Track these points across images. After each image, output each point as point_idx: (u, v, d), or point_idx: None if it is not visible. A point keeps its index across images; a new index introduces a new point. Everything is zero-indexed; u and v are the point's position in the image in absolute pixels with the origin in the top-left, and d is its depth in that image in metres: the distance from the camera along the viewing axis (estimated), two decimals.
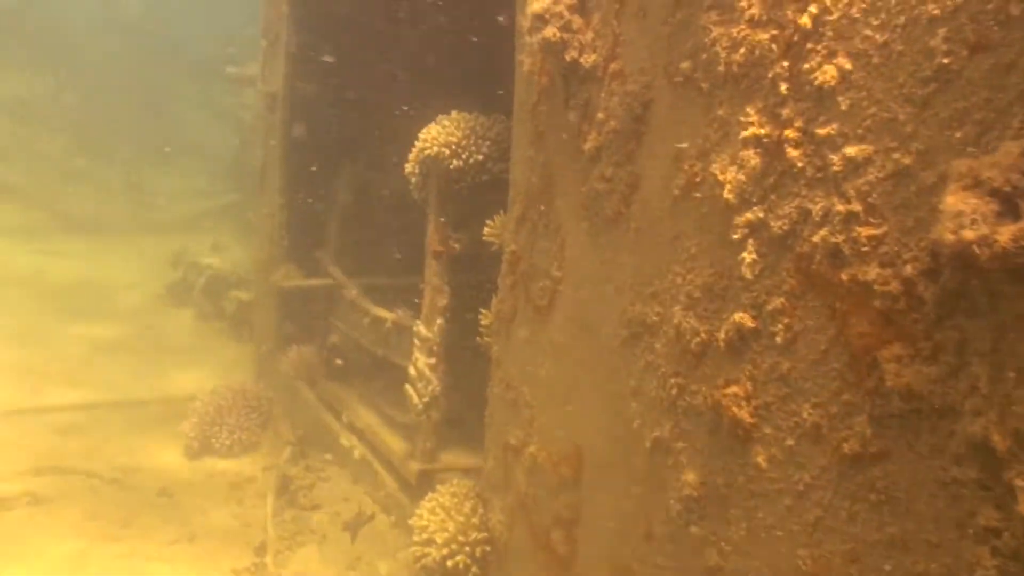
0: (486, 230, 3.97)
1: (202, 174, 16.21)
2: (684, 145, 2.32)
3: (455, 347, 4.64)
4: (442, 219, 4.53)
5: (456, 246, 4.54)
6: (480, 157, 4.35)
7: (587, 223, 2.97)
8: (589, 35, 2.93)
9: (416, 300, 4.87)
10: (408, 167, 4.62)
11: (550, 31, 2.95)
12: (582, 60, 2.92)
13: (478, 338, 4.07)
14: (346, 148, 6.53)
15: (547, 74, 3.23)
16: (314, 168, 6.45)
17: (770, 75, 1.98)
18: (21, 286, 9.86)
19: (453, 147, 4.36)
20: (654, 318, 2.48)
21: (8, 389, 6.91)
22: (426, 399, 4.59)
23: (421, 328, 4.63)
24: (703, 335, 2.22)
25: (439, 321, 4.58)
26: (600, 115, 2.85)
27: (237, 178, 14.18)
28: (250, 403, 6.22)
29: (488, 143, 4.37)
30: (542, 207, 3.32)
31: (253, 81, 10.65)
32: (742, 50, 2.07)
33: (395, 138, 6.70)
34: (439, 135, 4.40)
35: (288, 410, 6.48)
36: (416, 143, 4.55)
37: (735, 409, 2.10)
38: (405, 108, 4.62)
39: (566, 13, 2.95)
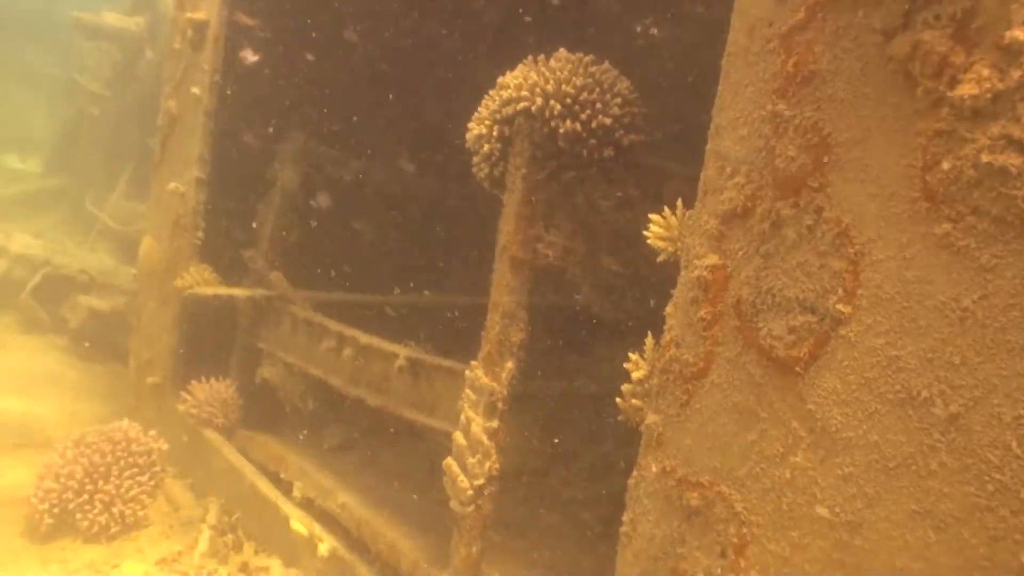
0: (652, 228, 2.45)
1: (15, 152, 13.31)
2: None
3: (527, 404, 3.09)
4: (529, 210, 2.97)
5: (549, 252, 3.00)
6: (607, 120, 2.86)
7: (945, 224, 1.72)
8: None
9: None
10: (476, 129, 3.06)
11: None
12: None
13: (619, 399, 2.55)
14: (295, 112, 4.79)
15: None
16: (249, 135, 4.65)
17: None
18: None
19: (567, 102, 2.84)
20: None
21: None
22: (479, 481, 3.00)
23: (480, 374, 3.03)
24: None
25: (509, 364, 3.01)
26: (1018, 32, 1.56)
27: (65, 158, 11.60)
28: (136, 459, 4.27)
29: (619, 101, 2.89)
30: (799, 197, 2.00)
31: (111, 32, 8.49)
32: None
33: (370, 102, 5.07)
34: (541, 82, 2.87)
35: (190, 470, 4.59)
36: (494, 93, 3.00)
37: None
38: None
39: None
